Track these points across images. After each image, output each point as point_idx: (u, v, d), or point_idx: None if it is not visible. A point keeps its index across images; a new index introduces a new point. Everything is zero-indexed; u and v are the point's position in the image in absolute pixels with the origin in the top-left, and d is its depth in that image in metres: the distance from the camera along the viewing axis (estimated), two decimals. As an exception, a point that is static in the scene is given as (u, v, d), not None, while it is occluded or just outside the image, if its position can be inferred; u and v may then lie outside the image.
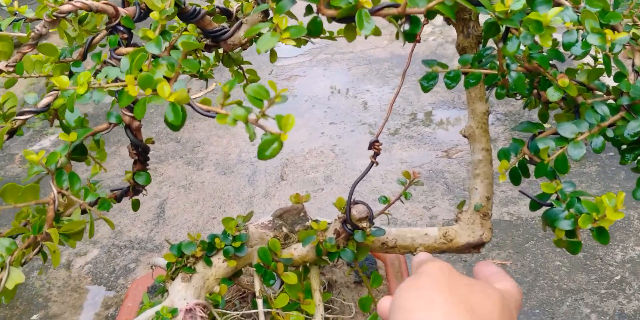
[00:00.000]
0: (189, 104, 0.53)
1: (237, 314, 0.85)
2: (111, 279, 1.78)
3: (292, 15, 0.66)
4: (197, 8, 0.73)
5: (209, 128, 2.54)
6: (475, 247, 0.82)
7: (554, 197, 0.65)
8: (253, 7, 0.85)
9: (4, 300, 0.64)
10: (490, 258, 1.72)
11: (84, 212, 0.72)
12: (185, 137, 2.49)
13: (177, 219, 2.01)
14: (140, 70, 0.57)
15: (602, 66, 0.65)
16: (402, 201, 0.92)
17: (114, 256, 1.87)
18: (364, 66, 2.97)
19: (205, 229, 1.97)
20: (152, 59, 0.61)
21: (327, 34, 0.97)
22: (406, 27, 0.52)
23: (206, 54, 0.98)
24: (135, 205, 0.88)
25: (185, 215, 2.03)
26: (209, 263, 0.85)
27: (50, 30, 0.78)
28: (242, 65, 1.04)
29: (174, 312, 0.77)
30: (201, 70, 1.06)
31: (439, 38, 3.16)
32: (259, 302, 0.83)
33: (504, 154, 0.69)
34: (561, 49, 0.64)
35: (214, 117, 0.50)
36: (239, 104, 0.48)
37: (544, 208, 0.65)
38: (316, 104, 2.66)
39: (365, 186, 2.08)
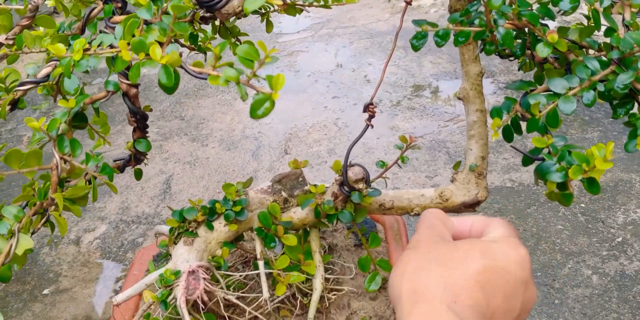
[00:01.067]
0: (182, 67, 0.54)
1: (240, 276, 0.87)
2: (120, 253, 1.81)
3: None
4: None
5: (213, 105, 2.54)
6: (470, 206, 0.83)
7: (545, 151, 0.66)
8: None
9: (15, 267, 0.66)
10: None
11: (87, 182, 0.74)
12: (189, 114, 2.50)
13: (183, 194, 2.03)
14: (133, 35, 0.58)
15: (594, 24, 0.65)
16: (399, 165, 0.93)
17: (122, 231, 1.90)
18: (365, 40, 2.95)
19: (211, 203, 1.99)
20: (145, 26, 0.62)
21: (322, 2, 0.97)
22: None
23: (203, 26, 0.99)
24: (138, 174, 0.90)
25: (191, 190, 2.05)
26: (211, 227, 0.87)
27: (47, 2, 0.79)
28: (239, 37, 1.04)
29: (177, 274, 0.78)
30: (200, 43, 1.06)
31: (441, 9, 3.13)
32: (261, 263, 0.84)
33: (496, 112, 0.69)
34: (551, 7, 0.65)
35: (205, 78, 0.51)
36: (230, 65, 0.49)
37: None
38: (319, 78, 2.66)
39: (369, 158, 2.09)
